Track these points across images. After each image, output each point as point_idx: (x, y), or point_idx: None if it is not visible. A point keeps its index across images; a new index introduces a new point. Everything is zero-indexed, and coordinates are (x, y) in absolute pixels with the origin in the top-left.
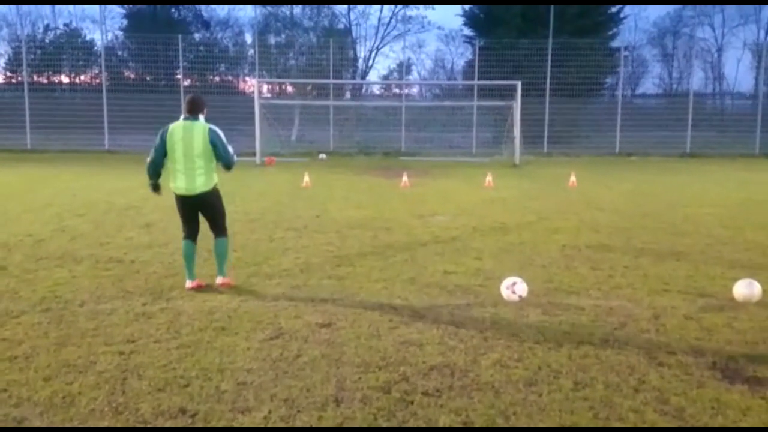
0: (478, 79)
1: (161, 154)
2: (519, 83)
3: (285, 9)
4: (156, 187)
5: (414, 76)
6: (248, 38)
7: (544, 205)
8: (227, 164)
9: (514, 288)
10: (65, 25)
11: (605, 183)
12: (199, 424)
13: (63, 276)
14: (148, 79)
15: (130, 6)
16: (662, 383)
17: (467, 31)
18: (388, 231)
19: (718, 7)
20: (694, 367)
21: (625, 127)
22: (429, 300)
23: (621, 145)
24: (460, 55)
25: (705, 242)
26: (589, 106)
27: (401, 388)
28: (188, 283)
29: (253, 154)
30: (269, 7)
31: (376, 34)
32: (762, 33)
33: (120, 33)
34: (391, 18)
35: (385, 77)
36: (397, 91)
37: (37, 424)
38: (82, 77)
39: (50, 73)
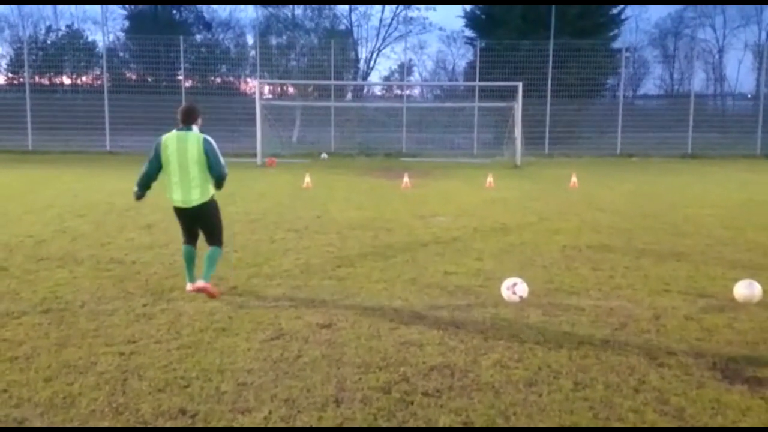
0: (480, 80)
1: (155, 168)
2: (520, 84)
3: (286, 10)
4: (140, 197)
5: (415, 77)
6: (250, 39)
7: (545, 206)
8: (218, 176)
9: (514, 289)
10: (67, 26)
11: (606, 184)
12: (200, 425)
13: (64, 277)
14: (149, 80)
15: (132, 7)
16: (662, 383)
17: (468, 33)
18: (388, 232)
19: (719, 8)
20: (695, 367)
21: (626, 128)
22: (429, 300)
23: (622, 146)
24: (461, 57)
25: (706, 243)
26: (590, 107)
27: (401, 388)
28: (189, 286)
29: (254, 155)
30: (271, 8)
31: (378, 35)
32: (763, 34)
33: (121, 34)
34: (392, 19)
35: (387, 78)
36: (398, 92)
37: (37, 424)
38: (84, 78)
39: (52, 74)
